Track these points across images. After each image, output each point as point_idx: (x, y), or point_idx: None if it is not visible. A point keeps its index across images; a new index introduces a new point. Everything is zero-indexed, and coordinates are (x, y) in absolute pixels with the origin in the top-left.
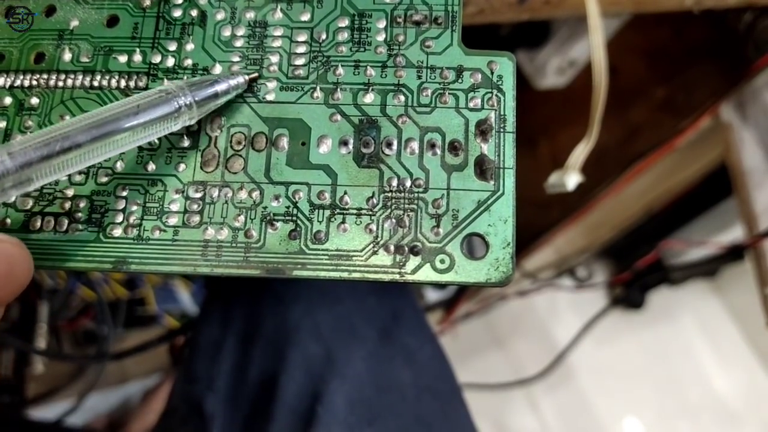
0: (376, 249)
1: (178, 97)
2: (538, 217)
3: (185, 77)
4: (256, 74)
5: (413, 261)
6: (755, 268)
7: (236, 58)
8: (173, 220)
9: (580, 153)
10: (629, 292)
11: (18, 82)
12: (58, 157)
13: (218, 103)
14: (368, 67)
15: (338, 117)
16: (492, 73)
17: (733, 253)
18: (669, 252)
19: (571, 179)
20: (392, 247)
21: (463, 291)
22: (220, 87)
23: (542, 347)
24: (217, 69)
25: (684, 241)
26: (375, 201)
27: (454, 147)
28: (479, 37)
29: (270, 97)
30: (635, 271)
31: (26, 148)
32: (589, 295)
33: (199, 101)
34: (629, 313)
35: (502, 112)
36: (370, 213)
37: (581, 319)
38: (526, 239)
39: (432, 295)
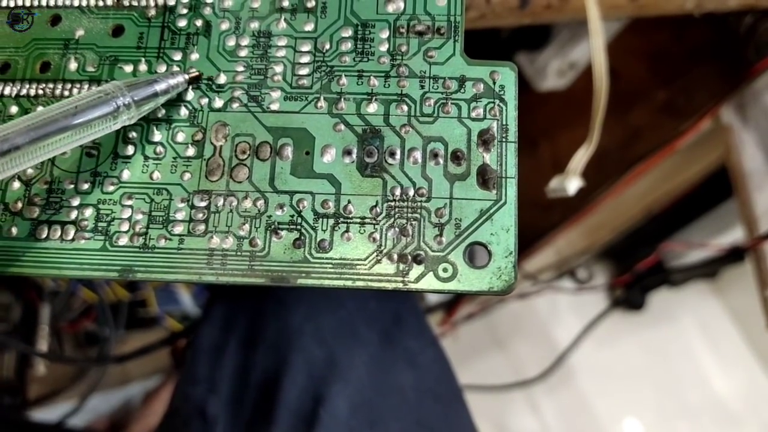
0: (379, 258)
1: (117, 98)
2: (538, 219)
3: (189, 86)
4: (196, 73)
5: (416, 270)
6: (755, 270)
7: (240, 68)
8: (178, 229)
9: (581, 158)
10: (630, 294)
11: (24, 91)
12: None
13: (158, 102)
14: (371, 77)
15: (342, 126)
16: (494, 83)
17: (734, 255)
18: (669, 254)
19: (572, 184)
20: (395, 256)
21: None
22: (160, 87)
23: (543, 349)
24: (222, 78)
25: (684, 243)
26: (378, 210)
27: (456, 156)
28: (480, 40)
29: (274, 106)
30: (636, 272)
31: None
32: (590, 296)
33: (138, 101)
34: (630, 315)
35: (504, 122)
36: (374, 222)
37: (582, 321)
38: (526, 241)
39: (432, 297)
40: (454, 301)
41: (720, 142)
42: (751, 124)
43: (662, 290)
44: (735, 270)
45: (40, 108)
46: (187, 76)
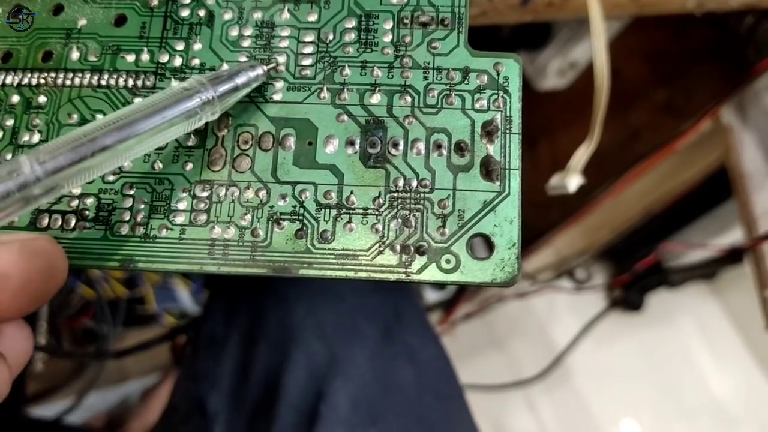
0: (382, 249)
1: (200, 93)
2: (537, 219)
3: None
4: (274, 64)
5: (419, 261)
6: (754, 270)
7: (243, 58)
8: (180, 219)
9: (582, 155)
10: (628, 294)
11: (26, 81)
12: (87, 161)
13: (239, 95)
14: (375, 67)
15: (345, 117)
16: (498, 74)
17: (733, 256)
18: (668, 254)
19: (573, 181)
20: (398, 247)
21: (462, 292)
22: (240, 80)
23: (541, 349)
24: (225, 68)
25: (683, 244)
26: (381, 201)
27: (460, 148)
28: (480, 38)
29: (277, 96)
30: (634, 273)
31: (55, 154)
32: (588, 296)
33: (220, 95)
34: (628, 315)
35: (507, 114)
36: (377, 213)
37: (580, 321)
38: (525, 240)
39: (431, 296)
40: (453, 300)
41: (720, 142)
42: (751, 125)
43: (661, 291)
44: (734, 271)
45: (119, 109)
46: (266, 68)
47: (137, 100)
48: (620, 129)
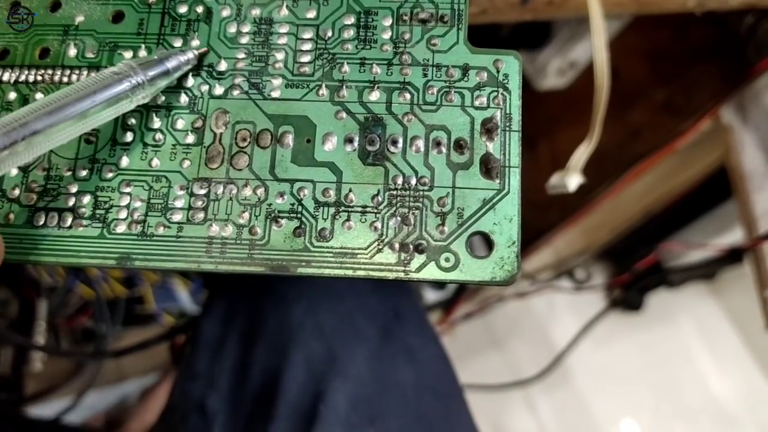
0: (380, 247)
1: (130, 77)
2: (537, 219)
3: (190, 73)
4: (205, 49)
5: (418, 259)
6: (754, 271)
7: (242, 55)
8: (177, 217)
9: (582, 154)
10: (628, 294)
11: (23, 77)
12: (19, 144)
13: (171, 79)
14: (374, 64)
15: (344, 114)
16: (498, 71)
17: (732, 256)
18: (668, 254)
19: (573, 180)
20: (397, 245)
21: (461, 292)
22: (171, 64)
23: (540, 348)
24: (223, 65)
25: (683, 244)
26: (380, 199)
27: (459, 145)
28: (480, 37)
29: (275, 94)
30: (634, 273)
31: None
32: (588, 296)
33: (150, 79)
34: (628, 315)
35: (507, 111)
36: (375, 211)
37: (579, 321)
38: (524, 240)
39: (430, 296)
40: (452, 300)
41: (720, 142)
42: (751, 125)
43: (660, 291)
44: (734, 271)
45: (50, 94)
46: (196, 53)
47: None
48: (620, 128)
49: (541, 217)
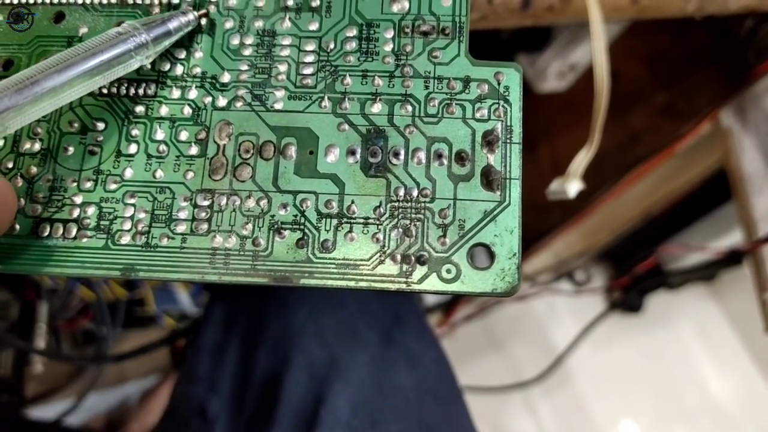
0: (383, 258)
1: (134, 37)
2: (537, 221)
3: (193, 84)
4: (205, 11)
5: (420, 270)
6: (754, 273)
7: (245, 67)
8: (181, 228)
9: (582, 160)
10: (627, 297)
11: None
12: (30, 102)
13: (172, 40)
14: (376, 76)
15: (346, 126)
16: (499, 84)
17: (732, 259)
18: (668, 256)
19: (573, 187)
20: (399, 257)
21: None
22: (173, 24)
23: (540, 351)
24: (226, 77)
25: (683, 246)
26: (382, 210)
27: (460, 157)
28: (480, 41)
29: (278, 105)
30: (634, 275)
31: (0, 96)
32: (588, 299)
33: (154, 39)
34: (627, 317)
35: (508, 123)
36: (377, 222)
37: (579, 323)
38: (524, 242)
39: (431, 298)
40: (452, 302)
41: (719, 145)
42: (751, 128)
43: (660, 293)
44: (733, 273)
45: (56, 54)
46: (197, 13)
47: (139, 108)
48: (620, 132)
49: (541, 219)
